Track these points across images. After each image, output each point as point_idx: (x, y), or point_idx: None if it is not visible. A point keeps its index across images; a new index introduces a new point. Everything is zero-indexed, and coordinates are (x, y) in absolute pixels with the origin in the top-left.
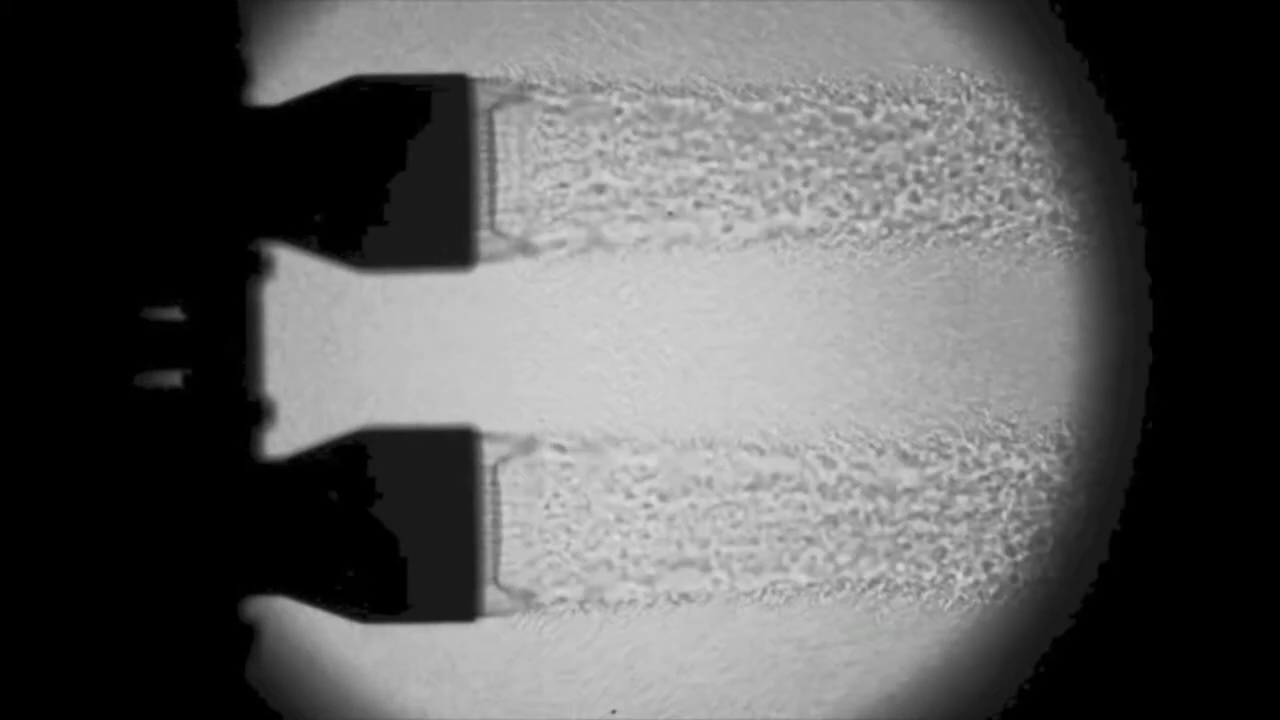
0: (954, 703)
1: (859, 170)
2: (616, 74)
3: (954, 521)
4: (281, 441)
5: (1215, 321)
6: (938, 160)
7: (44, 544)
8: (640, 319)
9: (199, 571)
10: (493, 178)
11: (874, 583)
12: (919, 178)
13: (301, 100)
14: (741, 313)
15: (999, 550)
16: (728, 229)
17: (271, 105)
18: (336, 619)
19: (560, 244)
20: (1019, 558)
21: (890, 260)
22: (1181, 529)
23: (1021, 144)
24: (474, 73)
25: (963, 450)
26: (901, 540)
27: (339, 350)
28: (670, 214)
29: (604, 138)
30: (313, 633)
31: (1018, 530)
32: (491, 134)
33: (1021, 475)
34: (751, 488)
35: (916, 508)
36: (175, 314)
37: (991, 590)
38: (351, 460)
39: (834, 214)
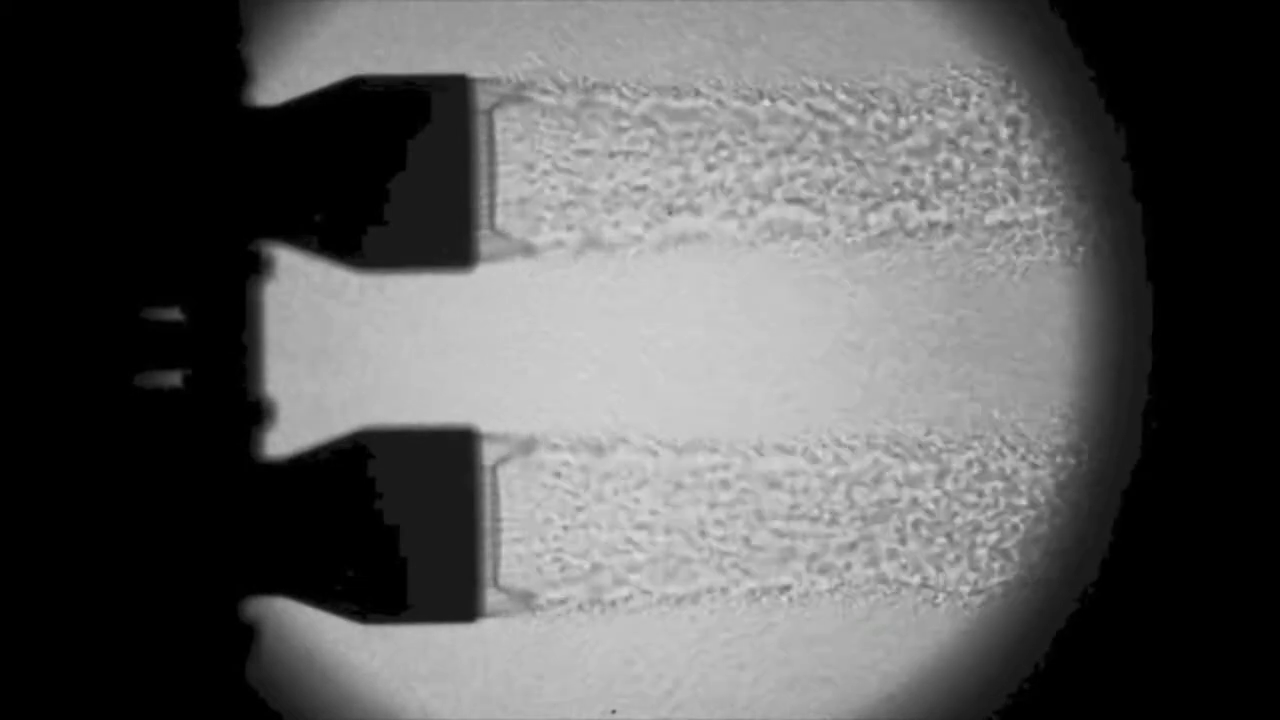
0: (954, 703)
1: (859, 170)
2: (616, 74)
3: (954, 521)
4: (281, 441)
5: (1215, 321)
6: (937, 160)
7: (44, 544)
8: (640, 319)
9: (199, 572)
10: (493, 177)
11: (874, 582)
12: (919, 178)
13: (302, 100)
14: (742, 313)
15: (999, 550)
16: (728, 229)
17: (271, 105)
18: (336, 619)
19: (560, 244)
20: (1019, 558)
21: (890, 260)
22: (1181, 529)
23: (1021, 144)
24: (474, 73)
25: (963, 450)
26: (902, 540)
27: (339, 350)
28: (670, 214)
29: (604, 138)
30: (313, 633)
31: (1017, 530)
32: (491, 134)
33: (1021, 475)
34: (752, 487)
35: (917, 507)
36: (175, 314)
37: (991, 590)
38: (351, 460)
39: (834, 214)
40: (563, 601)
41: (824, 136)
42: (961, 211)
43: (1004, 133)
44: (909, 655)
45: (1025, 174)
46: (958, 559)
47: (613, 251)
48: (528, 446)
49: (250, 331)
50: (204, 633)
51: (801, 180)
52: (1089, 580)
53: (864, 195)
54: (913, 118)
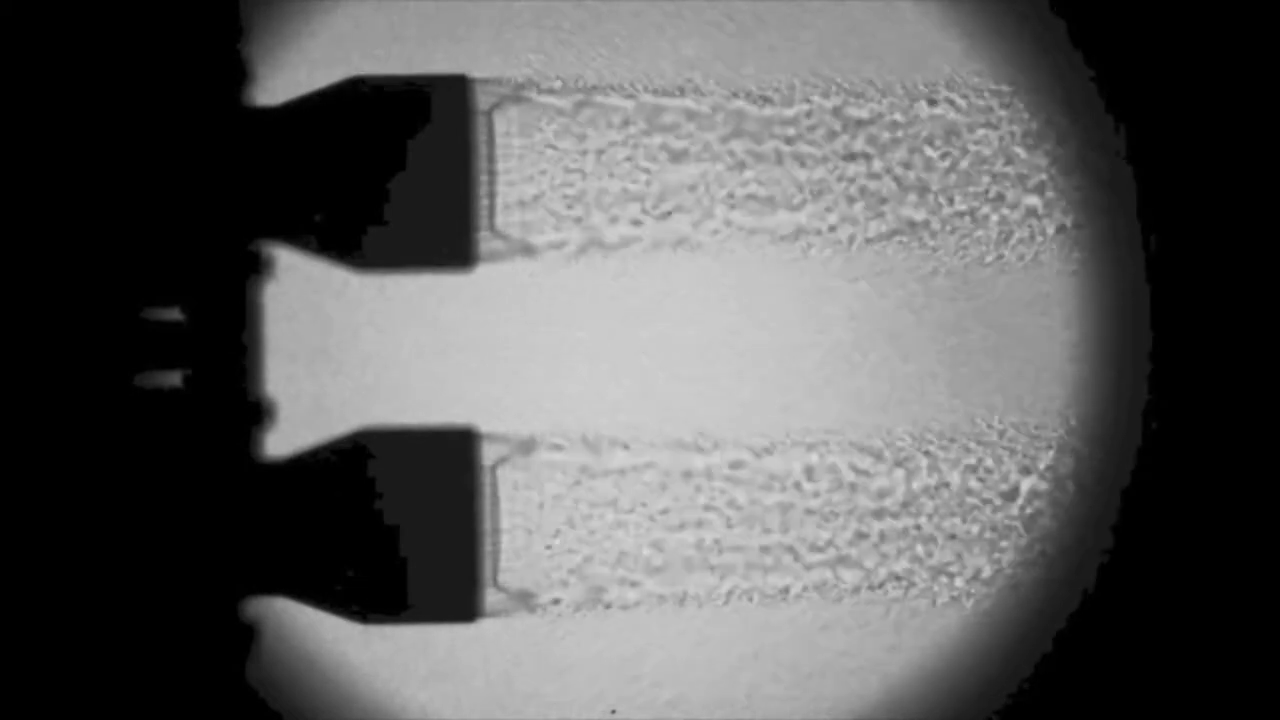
0: (954, 703)
1: (859, 170)
2: (616, 74)
3: (954, 521)
4: (281, 441)
5: (1215, 321)
6: (937, 160)
7: (44, 544)
8: (640, 319)
9: (199, 572)
10: (493, 178)
11: (874, 582)
12: (919, 178)
13: (302, 100)
14: (742, 313)
15: (999, 550)
16: (728, 229)
17: (271, 105)
18: (336, 619)
19: (560, 244)
20: (1019, 558)
21: (890, 261)
22: (1181, 529)
23: (1021, 144)
24: (474, 73)
25: (963, 450)
26: (901, 540)
27: (339, 350)
28: (670, 214)
29: (603, 138)
30: (313, 633)
31: (1017, 530)
32: (491, 134)
33: (1021, 475)
34: (752, 488)
35: (916, 508)
36: (175, 314)
37: (991, 590)
38: (351, 460)
39: (834, 214)
40: (562, 602)
41: (824, 136)
42: (961, 211)
43: (1004, 133)
44: (909, 655)
45: (1025, 174)
46: (957, 559)
47: (612, 251)
48: (528, 446)
49: (250, 331)
50: (204, 633)
51: (801, 180)
52: (1089, 580)
53: (864, 195)
54: (913, 118)
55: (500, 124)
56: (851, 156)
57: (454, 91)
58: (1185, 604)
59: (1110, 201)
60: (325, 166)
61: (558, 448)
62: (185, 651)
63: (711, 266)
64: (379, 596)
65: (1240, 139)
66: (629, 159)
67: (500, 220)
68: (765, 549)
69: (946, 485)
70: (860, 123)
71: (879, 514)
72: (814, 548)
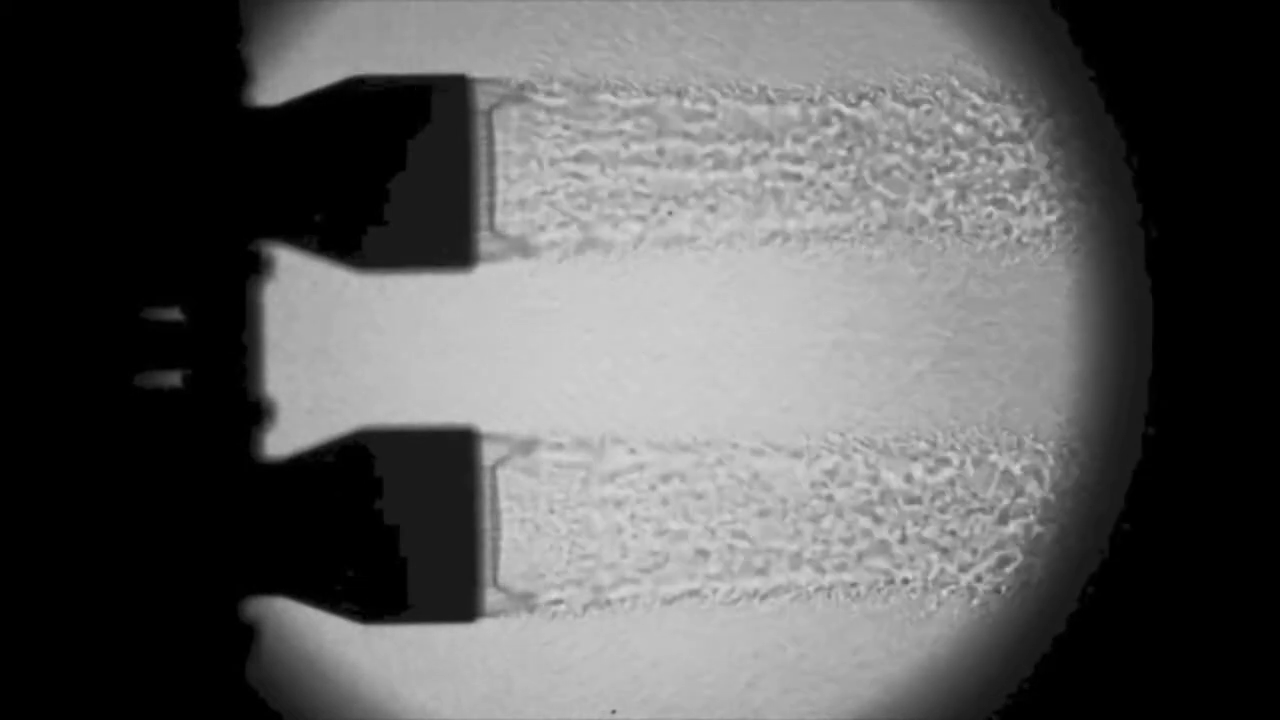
0: (954, 703)
1: (859, 171)
2: (616, 74)
3: (954, 522)
4: (281, 441)
5: (1215, 322)
6: (937, 160)
7: (45, 544)
8: (640, 319)
9: (199, 572)
10: (492, 178)
11: (874, 583)
12: (918, 178)
13: (302, 100)
14: (741, 313)
15: (999, 550)
16: (727, 229)
17: (271, 105)
18: (336, 619)
19: (559, 244)
20: (1019, 558)
21: (889, 261)
22: (1181, 529)
23: (1021, 145)
24: (474, 73)
25: (963, 451)
26: (901, 540)
27: (339, 350)
28: (670, 214)
29: (603, 138)
30: (313, 633)
31: (1017, 531)
32: (491, 134)
33: (1021, 475)
34: (751, 488)
35: (917, 508)
36: (175, 314)
37: (992, 590)
38: (351, 460)
39: (834, 215)
40: (562, 602)
41: (824, 136)
42: (961, 211)
43: (1004, 133)
44: (909, 655)
45: (1025, 174)
46: (957, 559)
47: (612, 251)
48: (528, 446)
49: (250, 331)
50: (204, 633)
51: (801, 180)
52: (1089, 580)
53: (863, 196)
54: (913, 117)
55: (500, 124)
56: (851, 156)
57: (454, 91)
58: (1184, 604)
59: (1110, 202)
60: (325, 166)
61: (558, 448)
62: (185, 651)
63: (711, 266)
64: (379, 596)
65: (1240, 139)
66: (629, 159)
67: (500, 220)
68: (765, 549)
69: (947, 485)
70: (859, 124)
71: (881, 514)
72: (814, 548)
